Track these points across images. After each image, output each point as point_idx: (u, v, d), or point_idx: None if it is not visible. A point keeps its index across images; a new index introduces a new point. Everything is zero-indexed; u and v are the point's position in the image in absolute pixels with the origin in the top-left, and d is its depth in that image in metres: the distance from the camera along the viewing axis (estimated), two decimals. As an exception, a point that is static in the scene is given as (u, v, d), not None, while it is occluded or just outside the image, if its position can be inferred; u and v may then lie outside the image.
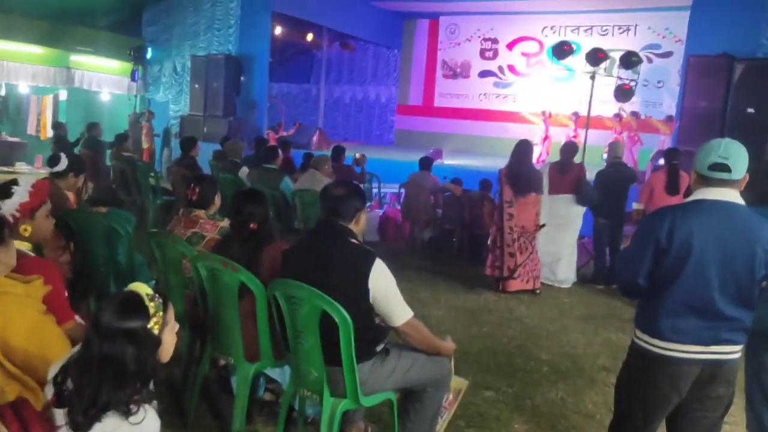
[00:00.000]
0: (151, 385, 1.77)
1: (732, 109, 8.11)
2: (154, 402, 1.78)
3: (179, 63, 14.91)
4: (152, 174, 8.31)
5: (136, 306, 1.73)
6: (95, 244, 3.88)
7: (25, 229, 2.76)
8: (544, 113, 14.50)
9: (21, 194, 2.75)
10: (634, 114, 13.35)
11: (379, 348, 2.79)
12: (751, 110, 8.00)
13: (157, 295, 1.78)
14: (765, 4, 8.50)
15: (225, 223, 3.53)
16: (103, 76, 14.46)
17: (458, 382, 3.18)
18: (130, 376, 1.67)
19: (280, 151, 7.60)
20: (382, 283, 2.69)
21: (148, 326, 1.72)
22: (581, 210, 6.98)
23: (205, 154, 8.45)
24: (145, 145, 13.40)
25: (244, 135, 12.70)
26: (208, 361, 3.32)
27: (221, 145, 9.48)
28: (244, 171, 7.30)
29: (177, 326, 1.87)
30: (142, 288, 1.78)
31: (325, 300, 2.57)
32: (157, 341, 1.75)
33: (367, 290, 2.66)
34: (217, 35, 14.04)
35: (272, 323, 2.96)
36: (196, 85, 13.57)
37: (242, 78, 13.55)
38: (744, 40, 8.61)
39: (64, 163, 4.24)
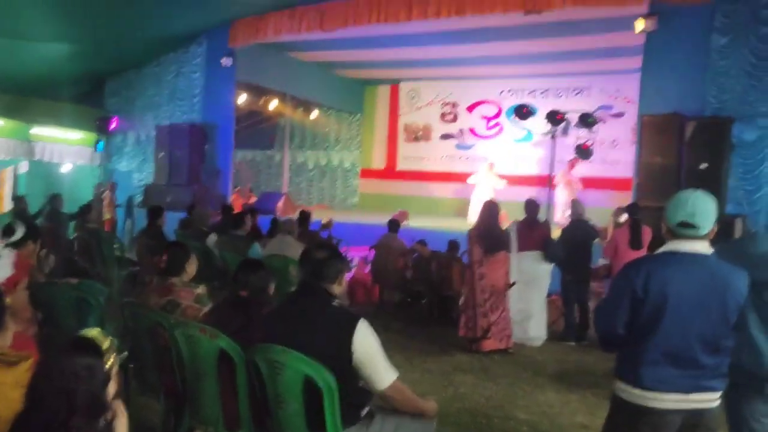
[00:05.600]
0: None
1: (687, 165, 8.37)
2: None
3: (143, 132, 14.93)
4: (117, 245, 8.18)
5: (90, 344, 1.83)
6: (63, 315, 3.78)
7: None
8: None
9: (3, 268, 2.71)
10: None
11: (364, 412, 2.75)
12: (704, 165, 8.27)
13: (110, 337, 1.89)
14: (708, 66, 8.94)
15: (201, 290, 3.48)
16: (65, 147, 14.37)
17: (443, 444, 3.14)
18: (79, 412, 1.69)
19: (248, 218, 7.58)
20: (366, 347, 2.66)
21: (103, 360, 1.80)
22: (549, 267, 7.05)
23: (169, 223, 8.36)
24: (106, 216, 13.21)
25: (210, 203, 12.63)
26: (184, 433, 3.22)
27: (188, 213, 9.41)
28: (212, 239, 7.25)
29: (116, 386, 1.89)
30: (92, 331, 1.90)
31: (310, 364, 2.54)
32: (107, 377, 1.80)
33: (350, 354, 2.63)
34: (180, 105, 14.14)
35: (251, 390, 2.89)
36: (161, 154, 13.54)
37: (206, 146, 13.58)
38: (692, 100, 8.98)
39: (20, 232, 4.16)
